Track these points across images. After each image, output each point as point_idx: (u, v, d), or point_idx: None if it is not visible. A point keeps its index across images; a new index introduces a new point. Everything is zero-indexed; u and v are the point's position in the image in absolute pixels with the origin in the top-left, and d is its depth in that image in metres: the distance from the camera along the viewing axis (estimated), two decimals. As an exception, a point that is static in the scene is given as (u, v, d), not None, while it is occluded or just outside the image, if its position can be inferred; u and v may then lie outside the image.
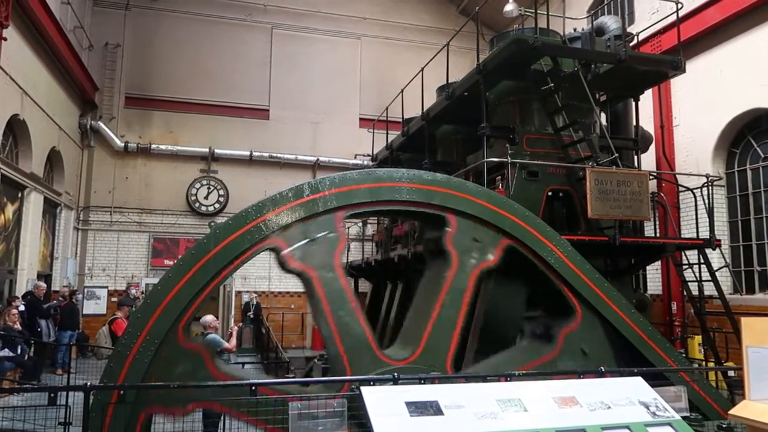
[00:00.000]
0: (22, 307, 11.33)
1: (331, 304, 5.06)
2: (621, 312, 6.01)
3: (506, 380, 4.23)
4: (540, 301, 6.62)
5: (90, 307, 17.09)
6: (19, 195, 13.23)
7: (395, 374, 4.25)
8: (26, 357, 10.54)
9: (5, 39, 10.33)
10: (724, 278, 11.23)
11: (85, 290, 17.19)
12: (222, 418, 5.98)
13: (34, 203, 13.65)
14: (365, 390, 3.35)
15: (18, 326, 10.71)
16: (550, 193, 8.88)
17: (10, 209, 12.70)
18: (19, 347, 10.41)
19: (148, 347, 4.50)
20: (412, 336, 5.47)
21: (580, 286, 5.92)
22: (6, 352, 10.02)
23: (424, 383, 4.15)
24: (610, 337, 5.96)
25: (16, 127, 12.69)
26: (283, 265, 5.10)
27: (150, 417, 4.56)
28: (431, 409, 3.23)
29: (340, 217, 5.24)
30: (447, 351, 5.31)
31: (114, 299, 16.97)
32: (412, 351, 5.22)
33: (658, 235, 11.53)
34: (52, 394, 3.85)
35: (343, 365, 4.97)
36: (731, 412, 3.46)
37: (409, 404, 3.23)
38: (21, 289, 12.89)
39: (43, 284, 13.01)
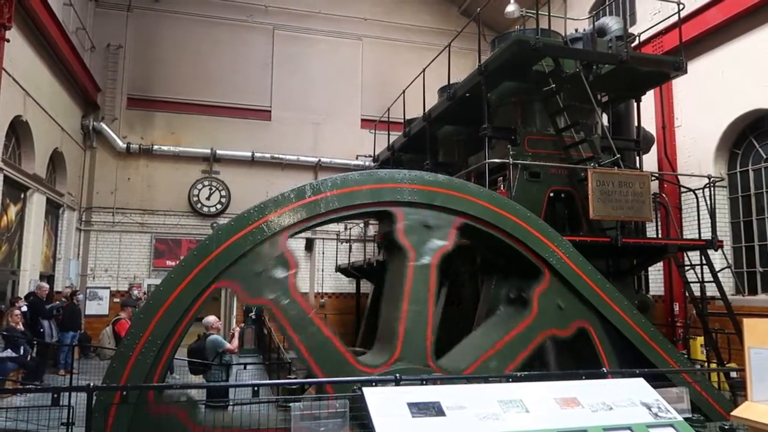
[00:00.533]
0: (24, 308, 11.35)
1: (296, 329, 5.02)
2: (623, 313, 6.01)
3: (508, 381, 4.23)
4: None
5: (92, 308, 17.12)
6: (22, 196, 13.26)
7: (397, 375, 4.25)
8: (29, 358, 10.56)
9: (8, 40, 10.35)
10: (727, 279, 11.21)
11: (88, 291, 17.22)
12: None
13: (36, 204, 13.68)
14: (367, 391, 3.36)
15: (21, 327, 10.73)
16: (551, 194, 8.89)
17: (12, 210, 12.73)
18: (22, 348, 10.44)
19: (151, 348, 4.51)
20: (388, 338, 5.47)
21: (582, 287, 5.92)
22: (9, 353, 10.04)
23: (425, 384, 4.15)
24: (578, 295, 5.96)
25: (18, 128, 12.71)
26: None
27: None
28: (433, 409, 3.24)
29: (284, 239, 5.14)
30: (425, 344, 5.31)
31: (116, 300, 17.00)
32: (390, 354, 5.21)
33: (660, 236, 11.53)
34: (55, 395, 3.86)
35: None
36: (733, 413, 3.46)
37: (410, 405, 3.24)
38: (24, 289, 12.91)
39: (45, 285, 13.03)
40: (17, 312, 10.81)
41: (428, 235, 5.51)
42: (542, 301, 5.75)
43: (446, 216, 5.60)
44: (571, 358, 6.47)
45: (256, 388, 4.92)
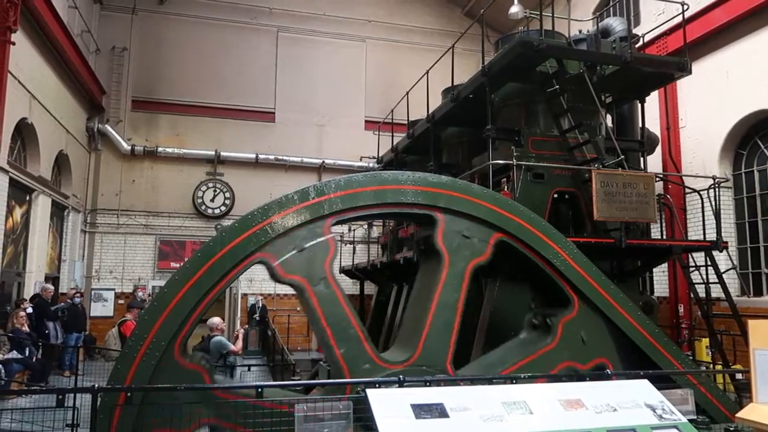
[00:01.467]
0: (30, 310, 11.40)
1: (325, 313, 5.04)
2: (627, 314, 5.99)
3: (512, 383, 4.23)
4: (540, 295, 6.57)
5: (97, 309, 17.20)
6: (27, 198, 13.32)
7: (400, 376, 4.25)
8: (34, 359, 10.61)
9: (14, 43, 10.42)
10: (732, 280, 11.17)
11: (93, 293, 17.29)
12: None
13: (41, 206, 13.74)
14: (370, 392, 3.35)
15: (26, 328, 10.78)
16: (555, 195, 8.87)
17: (18, 212, 12.79)
18: (27, 349, 10.48)
19: (155, 349, 4.52)
20: (409, 337, 5.46)
21: (586, 289, 5.90)
22: (14, 354, 10.08)
23: (429, 385, 4.14)
24: (607, 325, 5.90)
25: (24, 130, 12.78)
26: (275, 277, 5.08)
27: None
28: (436, 411, 3.23)
29: (329, 224, 5.19)
30: (446, 351, 5.30)
31: (121, 301, 17.06)
32: (410, 354, 5.21)
33: (664, 237, 11.50)
34: (60, 396, 3.88)
35: (343, 373, 4.97)
36: (739, 415, 3.44)
37: (414, 407, 3.23)
38: (29, 291, 12.97)
39: (50, 286, 13.08)
40: (22, 313, 10.87)
41: (464, 243, 5.53)
42: (566, 331, 5.72)
43: (486, 229, 5.63)
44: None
45: (260, 390, 4.92)
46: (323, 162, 19.37)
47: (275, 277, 5.08)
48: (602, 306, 5.93)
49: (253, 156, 18.87)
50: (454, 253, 5.49)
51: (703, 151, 12.69)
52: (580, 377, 4.52)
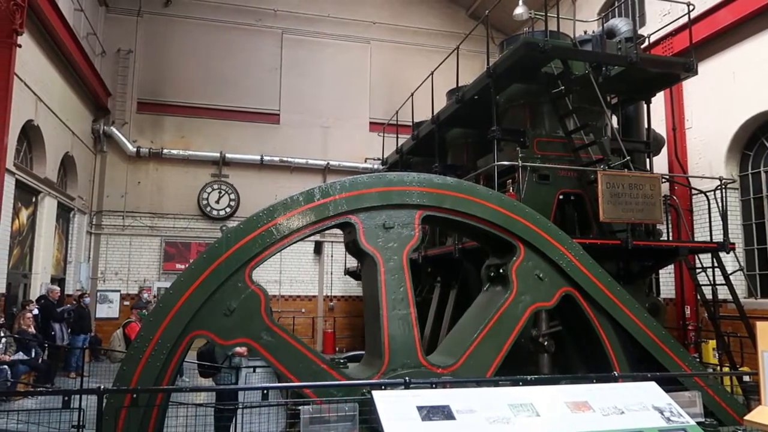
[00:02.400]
0: (36, 311, 11.43)
1: (389, 293, 5.10)
2: (634, 316, 5.95)
3: (519, 384, 4.21)
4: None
5: (103, 311, 17.25)
6: (34, 200, 13.38)
7: (406, 378, 4.24)
8: (40, 360, 10.64)
9: (20, 46, 10.45)
10: (739, 282, 11.10)
11: (98, 294, 17.34)
12: (234, 417, 6.01)
13: (48, 208, 13.80)
14: (376, 394, 3.34)
15: (32, 330, 10.82)
16: (561, 197, 8.85)
17: (24, 214, 12.84)
18: (34, 351, 10.52)
19: (161, 351, 4.52)
20: (456, 346, 5.48)
21: (592, 290, 5.87)
22: (20, 356, 10.12)
23: (435, 387, 4.13)
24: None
25: (30, 132, 12.83)
26: (356, 243, 5.18)
27: (192, 341, 4.71)
28: (443, 413, 3.22)
29: (418, 217, 5.34)
30: (489, 367, 5.31)
31: (126, 303, 17.10)
32: (454, 360, 5.23)
33: (670, 238, 11.45)
34: (66, 398, 3.88)
35: (384, 355, 4.99)
36: (747, 417, 3.42)
37: (420, 408, 3.22)
38: (35, 292, 13.02)
39: (56, 288, 13.13)
40: (29, 315, 10.91)
41: (537, 284, 5.64)
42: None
43: (557, 278, 5.71)
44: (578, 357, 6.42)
45: (265, 391, 4.92)
46: (328, 164, 19.38)
47: (356, 243, 5.17)
48: (608, 308, 5.89)
49: (258, 158, 18.90)
50: (524, 288, 5.59)
51: (709, 152, 12.64)
52: (587, 379, 4.50)
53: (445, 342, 6.00)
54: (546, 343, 7.83)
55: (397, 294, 5.19)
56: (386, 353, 5.01)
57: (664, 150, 12.61)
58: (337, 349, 17.74)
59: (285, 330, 4.97)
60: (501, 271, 5.75)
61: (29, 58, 11.81)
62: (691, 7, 9.86)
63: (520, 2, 15.79)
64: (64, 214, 15.73)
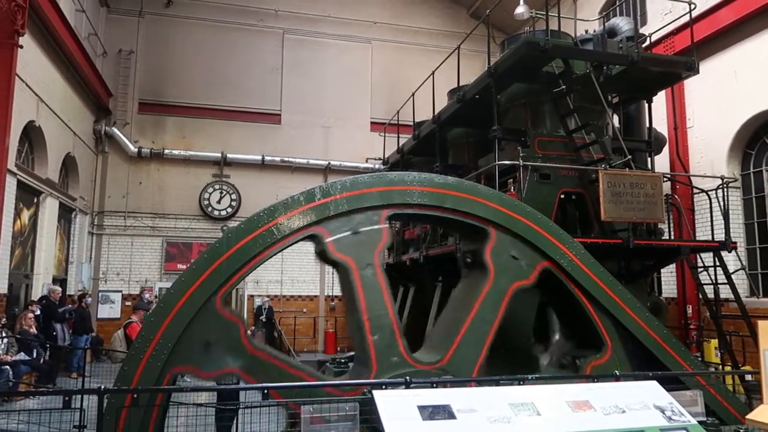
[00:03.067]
0: (38, 311, 11.44)
1: (367, 299, 5.07)
2: (636, 315, 5.95)
3: (519, 383, 4.20)
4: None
5: (104, 311, 17.26)
6: (35, 200, 13.39)
7: (407, 378, 4.23)
8: (42, 361, 10.65)
9: (21, 47, 10.47)
10: (741, 281, 11.08)
11: (100, 294, 17.36)
12: (235, 417, 6.00)
13: (49, 208, 13.81)
14: (377, 394, 3.34)
15: (34, 330, 10.83)
16: (562, 196, 8.83)
17: (26, 214, 12.86)
18: (35, 351, 10.53)
19: (162, 351, 4.52)
20: (441, 341, 5.46)
21: (594, 289, 5.86)
22: (22, 356, 10.13)
23: (435, 387, 4.12)
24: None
25: (32, 133, 12.85)
26: (324, 254, 5.14)
27: (176, 377, 4.71)
28: (444, 413, 3.21)
29: (384, 215, 5.29)
30: (476, 359, 5.29)
31: (128, 303, 17.13)
32: (441, 356, 5.21)
33: (672, 237, 11.42)
34: (67, 398, 3.88)
35: (371, 362, 4.97)
36: (749, 416, 3.41)
37: (421, 408, 3.22)
38: (37, 293, 13.03)
39: (58, 288, 13.14)
40: (30, 315, 10.91)
41: (514, 264, 5.63)
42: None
43: (532, 254, 5.69)
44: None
45: (266, 391, 4.91)
46: (329, 163, 19.38)
47: (324, 255, 5.15)
48: (610, 307, 5.89)
49: (260, 158, 18.91)
50: (500, 271, 5.55)
51: (711, 150, 12.62)
52: (588, 378, 4.49)
53: (430, 337, 5.95)
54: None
55: (375, 298, 5.15)
56: (373, 359, 4.99)
57: (666, 149, 12.58)
58: (338, 348, 17.74)
59: (268, 351, 5.01)
60: (476, 257, 5.72)
61: (31, 58, 11.82)
62: (692, 6, 9.83)
63: (521, 2, 15.79)
64: (65, 214, 15.75)
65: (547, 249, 5.78)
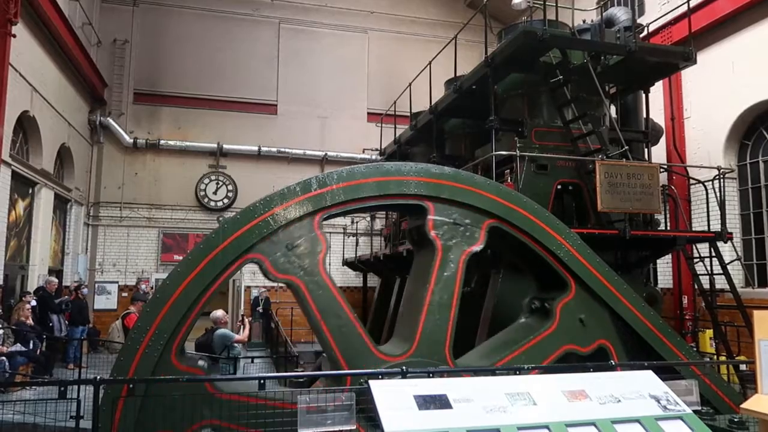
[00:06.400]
0: (34, 303, 11.41)
1: (321, 311, 5.02)
2: (631, 306, 5.97)
3: (515, 373, 4.21)
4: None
5: (101, 302, 17.25)
6: (30, 191, 13.32)
7: (403, 368, 4.24)
8: (38, 352, 10.64)
9: (14, 36, 10.38)
10: (736, 271, 11.13)
11: (96, 285, 17.33)
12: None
13: (44, 199, 13.75)
14: (373, 384, 3.34)
15: (30, 321, 10.80)
16: (559, 187, 8.84)
17: (21, 205, 12.80)
18: (31, 342, 10.51)
19: (158, 341, 4.52)
20: (407, 329, 5.45)
21: (590, 280, 5.87)
22: (18, 347, 10.11)
23: (432, 377, 4.13)
24: (606, 308, 5.86)
25: (26, 123, 12.76)
26: (267, 276, 5.04)
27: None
28: (440, 402, 3.22)
29: (317, 221, 5.15)
30: (444, 341, 5.28)
31: (124, 294, 17.11)
32: (408, 346, 5.19)
33: (668, 228, 11.45)
34: (62, 388, 3.88)
35: (343, 368, 4.98)
36: (743, 406, 3.42)
37: (417, 398, 3.22)
38: (32, 284, 13.00)
39: (54, 280, 13.09)
40: (27, 306, 10.89)
41: (459, 232, 5.50)
42: (564, 313, 5.70)
43: (474, 215, 5.60)
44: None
45: (263, 381, 4.92)
46: (326, 154, 19.33)
47: (268, 277, 5.06)
48: (606, 297, 5.90)
49: (256, 149, 18.84)
50: (447, 239, 5.47)
51: (707, 141, 12.63)
52: (583, 368, 4.51)
53: (396, 327, 5.91)
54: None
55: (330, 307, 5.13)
56: (343, 366, 5.00)
57: (663, 140, 12.59)
58: (335, 339, 17.74)
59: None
60: (421, 232, 5.67)
61: (24, 48, 11.72)
62: (690, -4, 9.81)
63: (519, -9, 15.70)
64: (61, 205, 15.69)
65: (544, 239, 5.78)
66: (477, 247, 5.57)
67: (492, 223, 5.63)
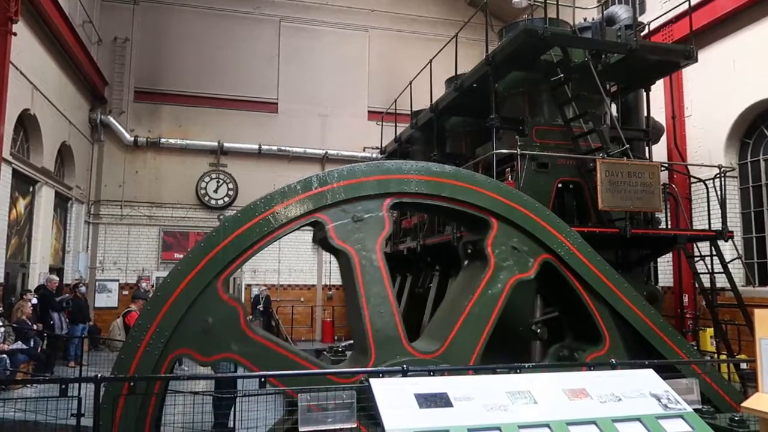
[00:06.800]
0: (34, 301, 11.43)
1: (367, 287, 5.04)
2: (632, 304, 5.96)
3: (516, 372, 4.21)
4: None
5: (102, 300, 17.26)
6: (31, 189, 13.33)
7: (404, 366, 4.24)
8: (39, 350, 10.65)
9: (15, 34, 10.38)
10: (737, 270, 11.12)
11: (97, 283, 17.35)
12: (233, 405, 6.03)
13: (45, 197, 13.75)
14: (374, 382, 3.34)
15: (28, 320, 10.81)
16: (560, 185, 8.83)
17: (21, 203, 12.80)
18: (32, 340, 10.53)
19: (158, 339, 4.52)
20: (440, 331, 5.46)
21: (590, 278, 5.87)
22: (19, 345, 10.13)
23: (432, 375, 4.13)
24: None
25: (27, 121, 12.77)
26: (326, 241, 5.11)
27: (175, 360, 4.72)
28: (440, 401, 3.22)
29: (387, 204, 5.26)
30: (473, 349, 5.29)
31: (125, 292, 17.12)
32: (437, 347, 5.21)
33: (669, 226, 11.45)
34: (64, 386, 3.88)
35: (370, 350, 4.97)
36: (744, 404, 3.41)
37: (418, 396, 3.22)
38: (33, 282, 13.01)
39: (55, 278, 13.11)
40: (28, 305, 10.90)
41: (514, 255, 5.59)
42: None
43: (533, 245, 5.65)
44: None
45: (263, 379, 4.93)
46: (326, 153, 19.33)
47: (326, 242, 5.10)
48: (606, 296, 5.89)
49: (256, 147, 18.84)
50: (500, 262, 5.52)
51: (708, 140, 12.61)
52: (584, 366, 4.51)
53: (429, 327, 5.96)
54: (539, 330, 7.84)
55: (376, 287, 5.11)
56: (372, 347, 4.98)
57: (664, 138, 12.58)
58: (336, 337, 17.79)
59: (269, 338, 4.96)
60: (477, 247, 5.68)
61: (25, 46, 11.72)
62: (691, -6, 9.79)
63: (520, -11, 15.67)
64: (61, 203, 15.70)
65: (545, 238, 5.77)
66: (527, 276, 5.60)
67: (546, 258, 5.68)
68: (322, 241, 5.19)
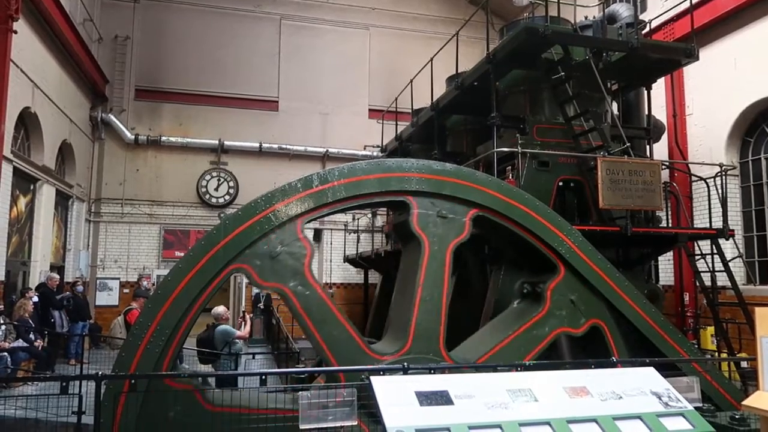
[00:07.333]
0: (35, 299, 11.44)
1: (311, 317, 4.99)
2: (633, 302, 5.96)
3: (517, 370, 4.21)
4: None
5: (102, 299, 17.27)
6: (32, 187, 13.33)
7: (405, 364, 4.24)
8: (40, 348, 10.66)
9: (15, 32, 10.37)
10: (738, 268, 11.12)
11: (98, 282, 17.36)
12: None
13: (46, 195, 13.75)
14: (375, 380, 3.34)
15: (28, 318, 10.82)
16: (560, 183, 8.83)
17: (22, 201, 12.81)
18: (33, 338, 10.54)
19: (159, 337, 4.52)
20: (399, 327, 5.45)
21: (591, 277, 5.87)
22: (20, 343, 10.14)
23: (433, 373, 4.13)
24: (593, 289, 5.86)
25: (27, 119, 12.76)
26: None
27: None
28: (441, 398, 3.22)
29: (300, 226, 5.09)
30: (438, 335, 5.28)
31: (126, 290, 17.13)
32: (402, 344, 5.19)
33: (670, 225, 11.44)
34: (64, 384, 3.89)
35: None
36: (744, 402, 3.42)
37: (418, 394, 3.22)
38: (34, 280, 13.02)
39: (56, 276, 13.12)
40: (30, 303, 10.91)
41: (442, 224, 5.48)
42: (555, 296, 5.70)
43: (461, 207, 5.58)
44: (583, 353, 6.43)
45: (264, 377, 4.93)
46: (327, 151, 19.32)
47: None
48: (607, 294, 5.90)
49: (257, 145, 18.83)
50: (432, 237, 5.43)
51: (709, 138, 12.60)
52: (585, 365, 4.51)
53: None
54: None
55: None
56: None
57: (665, 136, 12.57)
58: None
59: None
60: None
61: (25, 44, 11.71)
62: (692, -8, 9.78)
63: (521, -13, 15.66)
64: (62, 201, 15.70)
65: (545, 236, 5.77)
66: (463, 238, 5.55)
67: (476, 212, 5.63)
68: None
